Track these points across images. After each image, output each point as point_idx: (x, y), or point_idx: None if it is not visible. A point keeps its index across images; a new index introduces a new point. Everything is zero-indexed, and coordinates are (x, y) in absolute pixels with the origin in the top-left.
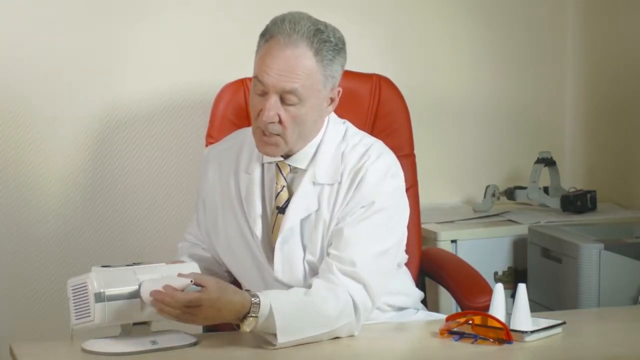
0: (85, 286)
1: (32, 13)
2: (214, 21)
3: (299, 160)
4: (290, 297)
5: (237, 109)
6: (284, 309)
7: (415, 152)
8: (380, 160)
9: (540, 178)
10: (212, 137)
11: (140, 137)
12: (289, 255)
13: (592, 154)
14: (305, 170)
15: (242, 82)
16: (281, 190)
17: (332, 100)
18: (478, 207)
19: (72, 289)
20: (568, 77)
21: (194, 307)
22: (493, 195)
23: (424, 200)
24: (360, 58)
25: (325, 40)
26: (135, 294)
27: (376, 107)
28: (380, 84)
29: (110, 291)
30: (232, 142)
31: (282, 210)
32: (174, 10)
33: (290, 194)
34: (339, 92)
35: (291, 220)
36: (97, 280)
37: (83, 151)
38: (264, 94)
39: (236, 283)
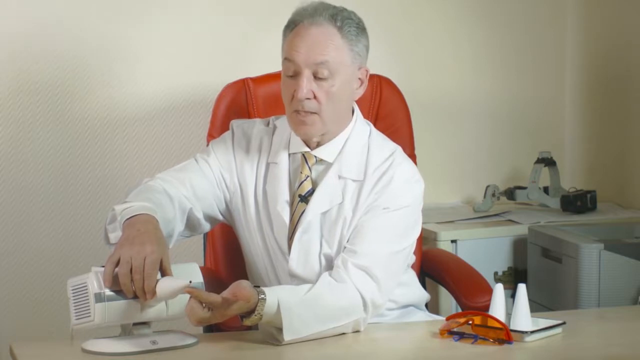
0: (85, 286)
1: (33, 13)
2: (215, 22)
3: (327, 152)
4: (297, 295)
5: (238, 109)
6: (291, 309)
7: (416, 152)
8: (406, 164)
9: (540, 178)
10: (212, 137)
11: (140, 137)
12: (306, 246)
13: (592, 154)
14: (331, 164)
15: (243, 82)
16: (305, 180)
17: (361, 82)
18: (478, 207)
19: (72, 289)
20: (568, 77)
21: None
22: (493, 195)
23: (424, 200)
24: None
25: (347, 17)
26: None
27: (377, 108)
28: (380, 84)
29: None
30: (266, 128)
31: (303, 198)
32: (175, 11)
33: (314, 185)
34: (367, 72)
35: (314, 211)
36: (97, 280)
37: (83, 151)
38: (296, 74)
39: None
